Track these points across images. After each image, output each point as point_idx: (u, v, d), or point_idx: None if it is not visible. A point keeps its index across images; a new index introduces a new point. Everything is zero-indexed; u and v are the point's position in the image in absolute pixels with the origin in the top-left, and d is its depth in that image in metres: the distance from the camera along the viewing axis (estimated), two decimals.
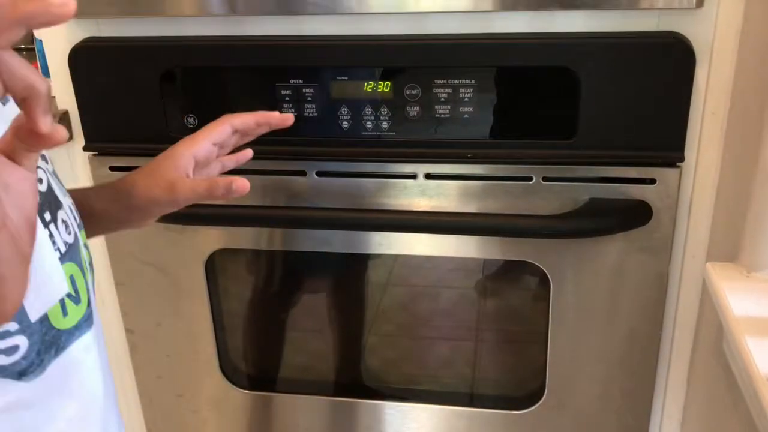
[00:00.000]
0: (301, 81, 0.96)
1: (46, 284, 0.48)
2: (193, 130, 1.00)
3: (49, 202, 0.50)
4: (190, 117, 0.99)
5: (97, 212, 0.64)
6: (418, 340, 1.22)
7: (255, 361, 1.25)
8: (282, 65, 0.96)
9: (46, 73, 1.08)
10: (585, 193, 0.95)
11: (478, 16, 0.91)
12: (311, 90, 0.96)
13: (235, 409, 1.22)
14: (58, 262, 0.49)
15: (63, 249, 0.50)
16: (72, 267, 0.51)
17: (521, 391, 1.17)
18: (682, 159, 0.92)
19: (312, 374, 1.25)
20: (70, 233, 0.51)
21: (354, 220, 1.01)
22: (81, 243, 0.54)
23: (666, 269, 0.99)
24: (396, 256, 1.12)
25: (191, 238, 1.08)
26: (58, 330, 0.48)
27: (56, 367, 0.49)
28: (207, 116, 0.99)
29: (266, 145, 0.97)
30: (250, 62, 0.98)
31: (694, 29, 0.87)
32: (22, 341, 0.45)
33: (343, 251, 1.07)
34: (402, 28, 0.93)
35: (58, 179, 0.55)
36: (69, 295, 0.50)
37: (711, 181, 0.94)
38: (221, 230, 1.08)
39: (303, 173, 1.01)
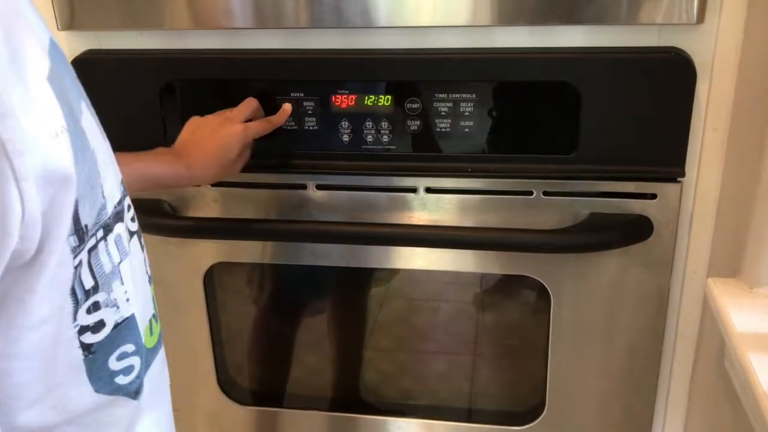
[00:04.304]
0: (302, 94, 0.96)
1: (148, 306, 0.51)
2: None
3: (139, 233, 0.52)
4: None
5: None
6: (417, 355, 1.22)
7: (253, 376, 1.24)
8: (282, 78, 0.96)
9: None
10: (586, 207, 0.95)
11: (478, 31, 0.91)
12: (311, 103, 0.96)
13: (233, 425, 1.21)
14: (149, 286, 0.53)
15: (150, 272, 0.53)
16: (153, 288, 0.54)
17: (521, 406, 1.16)
18: (683, 174, 0.92)
19: (310, 389, 1.24)
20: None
21: (354, 233, 1.00)
22: None
23: (667, 285, 0.98)
24: (395, 270, 1.11)
25: (190, 252, 1.08)
26: (147, 348, 0.52)
27: (147, 383, 0.52)
28: None
29: (266, 157, 0.98)
30: (250, 75, 0.98)
31: (695, 44, 0.87)
32: (136, 361, 0.49)
33: (343, 265, 1.07)
34: (402, 42, 0.93)
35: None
36: (153, 315, 0.53)
37: (712, 196, 0.94)
38: (220, 243, 1.07)
39: (303, 186, 1.01)
